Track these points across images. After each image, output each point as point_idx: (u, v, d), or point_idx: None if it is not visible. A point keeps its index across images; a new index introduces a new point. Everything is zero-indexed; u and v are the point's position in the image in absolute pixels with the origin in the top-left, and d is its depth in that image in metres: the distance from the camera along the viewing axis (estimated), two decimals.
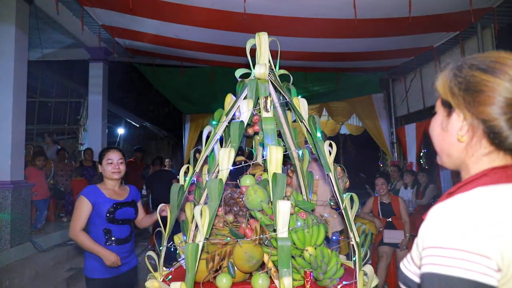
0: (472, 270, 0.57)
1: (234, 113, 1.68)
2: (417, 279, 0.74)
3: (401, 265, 0.80)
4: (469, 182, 0.71)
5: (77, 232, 2.24)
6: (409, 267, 0.77)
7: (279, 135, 1.76)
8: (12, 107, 4.65)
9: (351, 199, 1.60)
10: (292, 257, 1.46)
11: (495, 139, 0.69)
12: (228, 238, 1.53)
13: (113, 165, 2.37)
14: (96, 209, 2.28)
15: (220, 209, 1.61)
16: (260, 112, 1.57)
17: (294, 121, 1.85)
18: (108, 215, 2.28)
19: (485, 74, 0.68)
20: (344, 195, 1.56)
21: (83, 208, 2.26)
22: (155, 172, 5.67)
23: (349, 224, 1.51)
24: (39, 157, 5.58)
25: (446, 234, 0.62)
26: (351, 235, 1.51)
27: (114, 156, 2.40)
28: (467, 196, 0.67)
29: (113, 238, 2.31)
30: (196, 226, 1.52)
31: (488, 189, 0.67)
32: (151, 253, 1.69)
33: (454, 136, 0.74)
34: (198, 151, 2.77)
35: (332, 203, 2.87)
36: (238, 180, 1.68)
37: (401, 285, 0.80)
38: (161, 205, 1.87)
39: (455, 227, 0.61)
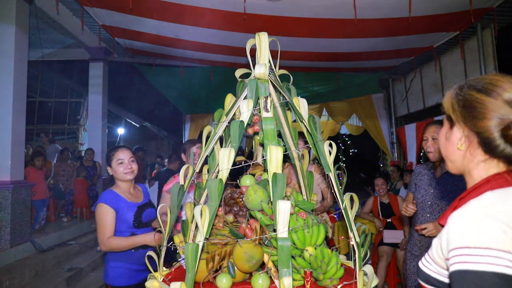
0: (497, 264, 0.64)
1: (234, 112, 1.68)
2: (440, 277, 0.83)
3: (420, 264, 0.88)
4: (476, 188, 0.83)
5: (107, 240, 2.06)
6: (430, 267, 0.84)
7: (279, 135, 1.76)
8: (12, 107, 4.66)
9: (351, 199, 1.60)
10: (292, 257, 1.46)
11: (488, 148, 0.81)
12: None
13: (125, 165, 2.22)
14: (120, 215, 2.13)
15: (220, 209, 1.61)
16: (260, 112, 1.57)
17: (294, 121, 1.85)
18: (135, 220, 2.16)
19: (479, 93, 0.81)
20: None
21: (108, 215, 2.09)
22: (167, 170, 5.49)
23: (349, 224, 1.51)
24: (38, 157, 5.59)
25: (470, 235, 0.69)
26: (351, 235, 1.50)
27: (124, 156, 2.23)
28: (480, 200, 0.76)
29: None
30: (196, 226, 1.52)
31: (496, 193, 0.76)
32: (151, 253, 1.69)
33: (455, 145, 0.87)
34: (193, 144, 2.78)
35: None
36: (238, 180, 1.68)
37: (422, 283, 0.87)
38: (160, 206, 1.86)
39: (477, 228, 0.69)
